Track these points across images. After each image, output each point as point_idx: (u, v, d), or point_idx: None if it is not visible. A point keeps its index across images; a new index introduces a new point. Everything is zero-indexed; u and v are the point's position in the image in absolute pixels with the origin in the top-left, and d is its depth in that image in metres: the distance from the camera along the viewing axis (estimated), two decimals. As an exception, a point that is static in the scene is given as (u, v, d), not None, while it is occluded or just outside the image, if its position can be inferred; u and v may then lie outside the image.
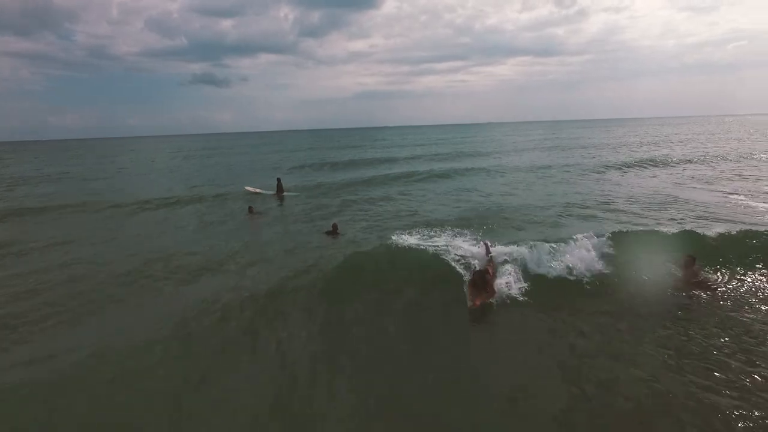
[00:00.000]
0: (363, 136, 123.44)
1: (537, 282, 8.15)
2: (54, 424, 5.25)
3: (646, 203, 15.58)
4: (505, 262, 8.71)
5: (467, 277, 8.14)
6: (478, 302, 7.26)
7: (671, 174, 23.50)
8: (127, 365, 6.22)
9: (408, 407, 5.28)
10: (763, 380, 5.32)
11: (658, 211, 14.21)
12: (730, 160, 28.15)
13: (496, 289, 7.79)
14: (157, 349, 6.55)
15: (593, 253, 8.69)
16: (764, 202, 14.80)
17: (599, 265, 8.46)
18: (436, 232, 11.89)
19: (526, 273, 8.37)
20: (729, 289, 7.98)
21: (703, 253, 8.51)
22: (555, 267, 8.30)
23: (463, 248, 9.83)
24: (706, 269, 8.46)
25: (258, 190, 21.51)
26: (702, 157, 30.10)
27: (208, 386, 5.78)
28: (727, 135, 56.81)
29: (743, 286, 8.05)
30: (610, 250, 8.92)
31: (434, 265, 8.85)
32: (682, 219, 12.91)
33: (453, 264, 8.83)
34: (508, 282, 8.00)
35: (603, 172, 25.32)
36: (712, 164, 26.80)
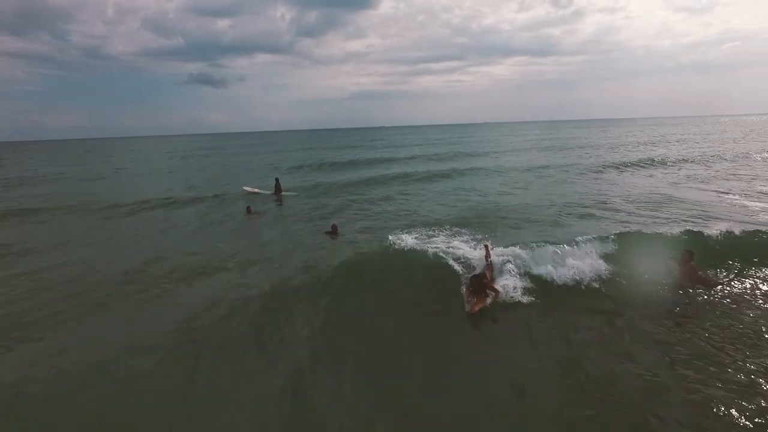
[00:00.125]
0: (360, 136, 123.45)
1: (537, 283, 8.16)
2: (55, 424, 5.24)
3: (643, 202, 15.68)
4: (506, 263, 8.71)
5: (465, 280, 8.11)
6: (476, 308, 7.21)
7: (667, 173, 23.65)
8: (129, 365, 6.22)
9: (408, 407, 5.30)
10: (758, 376, 5.39)
11: (655, 210, 14.31)
12: (726, 160, 28.34)
13: (501, 289, 7.79)
14: (157, 350, 6.56)
15: (593, 254, 8.71)
16: (759, 201, 14.92)
17: (599, 266, 8.46)
18: (434, 231, 11.96)
19: (526, 274, 8.38)
20: (726, 286, 8.05)
21: (699, 251, 8.55)
22: (555, 268, 8.29)
23: (462, 248, 9.88)
24: (705, 269, 8.50)
25: (256, 190, 21.48)
26: (698, 157, 30.30)
27: (210, 386, 5.79)
28: (722, 135, 57.09)
29: (740, 284, 8.13)
30: (610, 251, 8.94)
31: (433, 265, 8.88)
32: (677, 218, 13.00)
33: (452, 264, 8.87)
34: (507, 284, 7.99)
35: (600, 171, 25.48)
36: (708, 164, 26.97)
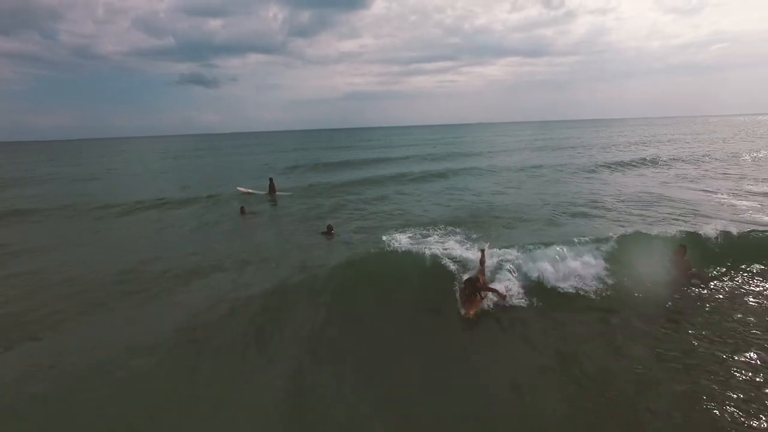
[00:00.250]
0: (353, 136, 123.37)
1: (533, 284, 8.22)
2: (55, 425, 5.25)
3: (634, 202, 15.90)
4: (502, 264, 8.76)
5: (459, 282, 8.10)
6: (471, 312, 7.18)
7: (658, 173, 23.98)
8: (128, 365, 6.23)
9: (408, 407, 5.33)
10: (747, 370, 5.54)
11: (646, 209, 14.52)
12: (716, 160, 28.75)
13: (502, 288, 7.83)
14: (157, 350, 6.56)
15: (588, 254, 8.79)
16: (746, 200, 15.18)
17: (594, 266, 8.54)
18: (429, 231, 12.07)
19: (523, 275, 8.43)
20: (717, 283, 8.24)
21: (689, 249, 8.71)
22: (551, 270, 8.34)
23: (456, 249, 9.96)
24: (698, 267, 8.64)
25: (250, 191, 21.43)
26: (688, 157, 30.73)
27: (209, 386, 5.81)
28: (711, 135, 57.72)
29: (730, 281, 8.31)
30: (604, 251, 9.01)
31: (430, 265, 8.91)
32: (668, 217, 13.22)
33: (448, 264, 8.91)
34: (505, 286, 8.03)
35: (592, 171, 25.74)
36: (698, 163, 27.36)
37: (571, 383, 5.58)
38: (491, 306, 7.59)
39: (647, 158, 30.34)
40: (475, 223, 13.30)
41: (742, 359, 5.82)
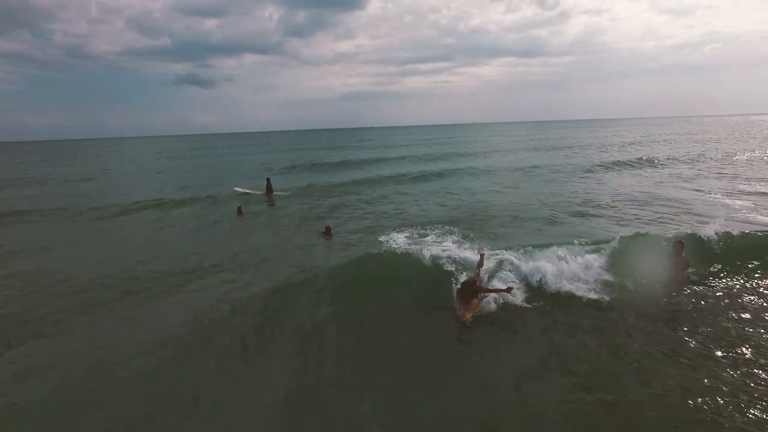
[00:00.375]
0: (349, 136, 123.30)
1: (533, 284, 8.24)
2: (55, 426, 5.24)
3: (629, 201, 16.06)
4: (501, 265, 8.75)
5: (456, 284, 8.07)
6: (468, 315, 7.13)
7: (653, 173, 24.19)
8: (128, 366, 6.23)
9: (408, 406, 5.34)
10: (751, 371, 5.61)
11: (641, 209, 14.67)
12: (711, 160, 29.02)
13: (503, 287, 7.75)
14: (156, 350, 6.56)
15: (586, 255, 8.82)
16: (739, 200, 15.35)
17: (593, 267, 8.57)
18: (427, 231, 12.12)
19: (521, 275, 8.44)
20: (718, 281, 8.34)
21: (689, 249, 8.75)
22: (549, 271, 8.34)
23: (455, 249, 9.98)
24: (695, 265, 8.72)
25: (247, 191, 21.43)
26: (682, 157, 30.99)
27: (209, 387, 5.81)
28: (705, 135, 58.17)
29: (725, 280, 8.41)
30: (602, 251, 9.04)
31: (428, 265, 8.91)
32: (663, 216, 13.37)
33: (447, 264, 8.89)
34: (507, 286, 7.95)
35: (588, 171, 25.92)
36: (692, 163, 27.61)
37: (571, 383, 5.59)
38: (495, 308, 7.56)
39: (643, 158, 30.63)
40: (472, 222, 13.38)
41: (742, 358, 5.89)
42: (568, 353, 6.27)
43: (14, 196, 24.25)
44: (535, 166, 29.19)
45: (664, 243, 9.34)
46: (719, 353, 6.03)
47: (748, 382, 5.39)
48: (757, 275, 8.53)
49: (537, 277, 8.27)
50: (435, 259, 9.08)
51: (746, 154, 31.13)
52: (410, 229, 12.40)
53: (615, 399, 5.26)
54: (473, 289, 7.43)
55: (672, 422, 4.83)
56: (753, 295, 7.82)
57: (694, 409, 4.98)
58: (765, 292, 7.92)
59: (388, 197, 19.72)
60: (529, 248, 9.22)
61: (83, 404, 5.51)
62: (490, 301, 7.67)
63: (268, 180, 21.73)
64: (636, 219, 13.26)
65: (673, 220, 12.92)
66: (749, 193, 16.75)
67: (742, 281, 8.36)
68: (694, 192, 17.52)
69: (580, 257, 8.73)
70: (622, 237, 9.47)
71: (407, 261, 9.10)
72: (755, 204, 14.64)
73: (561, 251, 8.88)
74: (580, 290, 8.03)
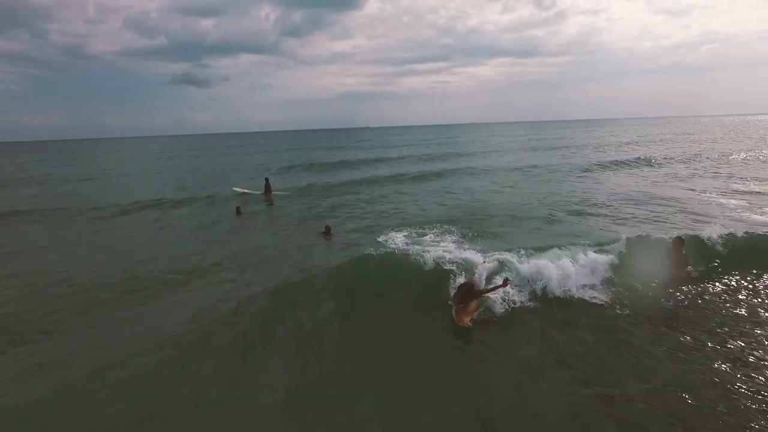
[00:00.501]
0: (347, 136, 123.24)
1: (532, 284, 8.22)
2: (55, 427, 5.25)
3: (626, 200, 16.15)
4: (502, 267, 8.72)
5: (453, 287, 8.04)
6: (467, 319, 7.09)
7: (650, 172, 24.32)
8: (127, 366, 6.24)
9: (408, 406, 5.36)
10: (751, 371, 5.65)
11: (638, 208, 14.75)
12: (708, 159, 29.15)
13: (499, 282, 7.73)
14: (156, 351, 6.58)
15: (585, 256, 8.80)
16: (734, 200, 15.44)
17: (593, 268, 8.56)
18: (427, 230, 12.15)
19: (520, 276, 8.40)
20: (717, 280, 8.41)
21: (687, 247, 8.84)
22: (549, 270, 8.32)
23: (454, 249, 10.00)
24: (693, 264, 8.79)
25: (246, 191, 21.43)
26: (679, 156, 31.13)
27: (209, 387, 5.83)
28: (702, 135, 58.33)
29: (727, 277, 8.49)
30: (602, 251, 9.06)
31: (428, 265, 8.92)
32: (659, 216, 13.44)
33: (446, 265, 8.90)
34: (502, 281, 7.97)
35: (585, 171, 26.03)
36: (689, 163, 27.73)
37: (571, 381, 5.63)
38: (504, 310, 7.55)
39: (640, 158, 30.76)
40: (471, 221, 13.43)
41: (740, 356, 5.96)
42: (568, 352, 6.31)
43: (14, 196, 24.19)
44: (534, 166, 29.30)
45: (662, 242, 9.39)
46: (717, 350, 6.11)
47: (745, 379, 5.46)
48: (753, 274, 8.60)
49: (534, 276, 8.25)
50: (435, 258, 9.09)
51: (742, 154, 31.29)
52: (409, 229, 12.45)
53: (614, 396, 5.31)
54: (472, 292, 7.40)
55: (669, 418, 4.88)
56: (750, 293, 7.91)
57: (691, 405, 5.04)
58: (762, 290, 8.00)
59: (387, 197, 19.76)
60: (527, 248, 9.23)
61: (83, 404, 5.52)
62: (497, 300, 7.66)
63: (266, 180, 21.74)
64: (633, 218, 13.34)
65: (669, 219, 13.01)
66: (744, 192, 16.86)
67: (740, 279, 8.43)
68: (690, 191, 17.61)
69: (577, 258, 8.69)
70: (619, 236, 9.52)
71: (407, 261, 9.13)
72: (749, 203, 14.74)
73: (559, 252, 8.88)
74: (579, 290, 8.07)
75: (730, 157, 29.71)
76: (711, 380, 5.47)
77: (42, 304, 8.48)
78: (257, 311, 7.71)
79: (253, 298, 8.15)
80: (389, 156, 43.60)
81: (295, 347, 6.74)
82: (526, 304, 7.72)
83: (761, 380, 5.41)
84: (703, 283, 8.26)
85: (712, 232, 9.71)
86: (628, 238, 9.35)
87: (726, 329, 6.66)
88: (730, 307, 7.39)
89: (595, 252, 8.99)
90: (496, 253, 9.27)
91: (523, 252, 9.10)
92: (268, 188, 21.11)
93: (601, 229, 12.00)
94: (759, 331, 6.56)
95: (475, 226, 12.61)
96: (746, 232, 9.94)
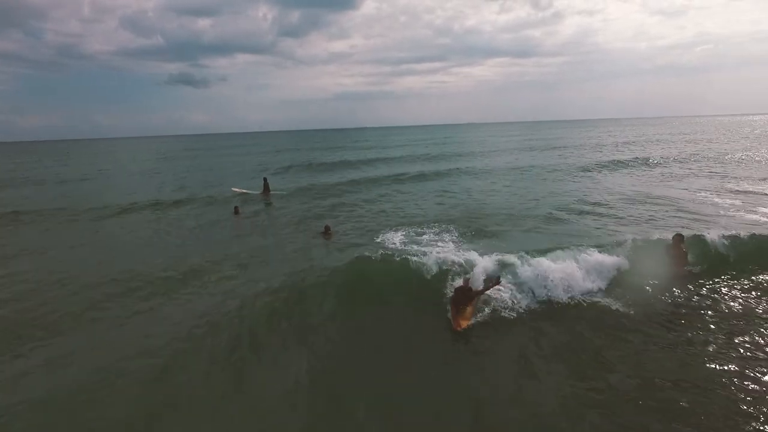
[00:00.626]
0: (345, 136, 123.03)
1: (530, 285, 8.20)
2: (55, 427, 5.25)
3: (624, 200, 16.26)
4: (502, 266, 8.70)
5: (451, 290, 7.98)
6: (464, 324, 7.02)
7: (646, 172, 24.47)
8: (127, 366, 6.26)
9: (407, 407, 5.37)
10: (752, 371, 5.67)
11: (636, 207, 14.84)
12: (704, 159, 29.30)
13: (494, 279, 7.74)
14: (156, 351, 6.58)
15: (584, 255, 8.79)
16: (729, 199, 15.51)
17: (591, 268, 8.54)
18: (425, 230, 12.20)
19: (518, 277, 8.37)
20: (716, 279, 8.46)
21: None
22: (547, 271, 8.30)
23: (453, 249, 10.06)
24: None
25: (245, 191, 21.42)
26: (675, 157, 31.27)
27: (210, 388, 5.84)
28: (697, 136, 58.49)
29: (726, 276, 8.56)
30: (601, 251, 9.02)
31: (427, 266, 8.90)
32: (655, 215, 13.51)
33: (445, 265, 8.88)
34: (507, 293, 7.99)
35: (583, 171, 26.13)
36: (685, 163, 27.87)
37: (569, 381, 5.65)
38: (510, 315, 7.52)
39: (637, 158, 30.90)
40: (469, 221, 13.48)
41: (737, 352, 6.02)
42: (566, 354, 6.32)
43: (13, 197, 24.10)
44: (531, 166, 29.40)
45: (660, 241, 9.42)
46: (715, 348, 6.17)
47: (741, 375, 5.51)
48: (751, 272, 8.66)
49: (533, 277, 8.23)
50: (434, 259, 9.09)
51: (737, 154, 31.47)
52: (408, 228, 12.49)
53: (613, 394, 5.33)
54: (467, 295, 7.35)
55: (668, 416, 4.91)
56: (748, 291, 7.98)
57: (690, 402, 5.08)
58: (759, 288, 8.06)
59: (385, 196, 19.79)
60: (526, 249, 9.17)
61: (83, 404, 5.52)
62: (498, 300, 7.69)
63: (265, 180, 21.73)
64: (629, 217, 13.43)
65: (665, 218, 13.07)
66: (737, 192, 16.95)
67: (738, 278, 8.50)
68: (685, 191, 17.70)
69: (576, 258, 8.66)
70: (618, 236, 9.53)
71: (405, 261, 9.12)
72: (743, 202, 14.84)
73: (557, 252, 8.86)
74: (577, 291, 8.06)
75: (726, 157, 29.88)
76: (710, 377, 5.52)
77: (42, 304, 8.48)
78: (257, 311, 7.71)
79: (253, 298, 8.15)
80: (387, 156, 43.62)
81: (294, 347, 6.74)
82: (526, 305, 7.73)
83: (760, 378, 5.46)
84: (702, 280, 8.33)
85: (711, 230, 9.78)
86: (621, 235, 9.33)
87: (724, 326, 6.72)
88: (728, 304, 7.46)
89: (598, 252, 8.93)
90: (496, 253, 9.25)
91: (523, 253, 9.05)
92: (266, 188, 21.10)
93: (599, 228, 12.08)
94: (758, 329, 6.61)
95: (473, 226, 12.67)
96: (745, 232, 10.02)
